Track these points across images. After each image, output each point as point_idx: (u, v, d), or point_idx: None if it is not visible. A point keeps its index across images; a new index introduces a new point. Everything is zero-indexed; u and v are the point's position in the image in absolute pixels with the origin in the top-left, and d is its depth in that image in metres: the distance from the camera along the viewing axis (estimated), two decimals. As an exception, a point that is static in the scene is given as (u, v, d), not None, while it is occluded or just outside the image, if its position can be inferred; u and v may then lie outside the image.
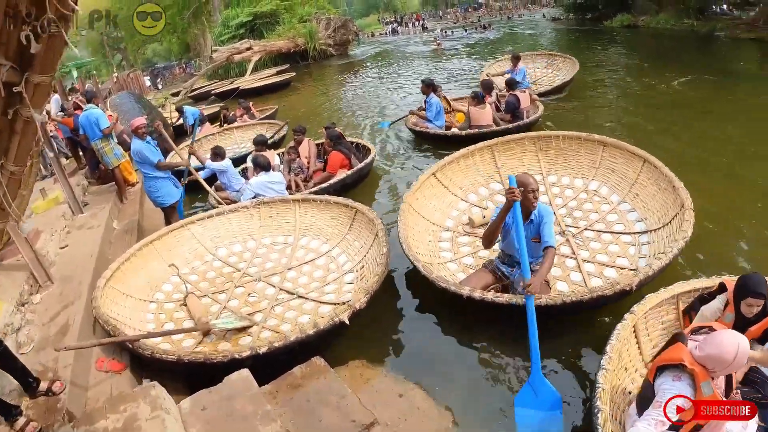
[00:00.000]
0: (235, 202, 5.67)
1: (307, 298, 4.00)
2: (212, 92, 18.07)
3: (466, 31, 29.85)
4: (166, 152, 6.86)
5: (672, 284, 2.86)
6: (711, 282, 2.79)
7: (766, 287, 2.38)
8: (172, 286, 4.42)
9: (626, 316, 2.63)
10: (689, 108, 8.35)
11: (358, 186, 6.28)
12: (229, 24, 24.88)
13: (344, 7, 55.66)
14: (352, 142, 6.94)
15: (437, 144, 7.32)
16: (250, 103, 10.93)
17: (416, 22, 44.15)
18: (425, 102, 7.53)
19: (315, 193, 5.47)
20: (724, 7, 25.26)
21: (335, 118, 10.43)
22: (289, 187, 5.98)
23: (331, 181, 5.77)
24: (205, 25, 29.73)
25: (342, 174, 5.98)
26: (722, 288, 2.59)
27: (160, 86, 29.88)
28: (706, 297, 2.67)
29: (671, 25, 21.44)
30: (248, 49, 21.32)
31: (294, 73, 18.13)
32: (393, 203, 5.75)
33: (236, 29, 24.25)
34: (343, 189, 5.85)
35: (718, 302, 2.55)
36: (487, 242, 3.30)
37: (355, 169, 6.05)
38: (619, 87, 10.57)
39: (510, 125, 6.76)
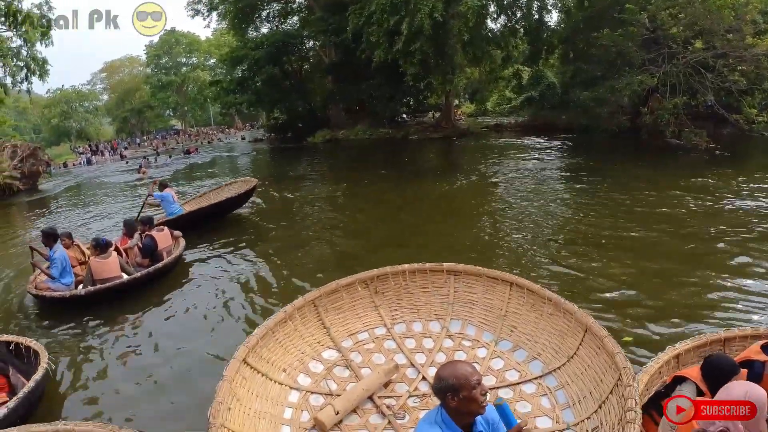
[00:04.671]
0: None
1: None
2: None
3: (170, 157, 29.33)
4: None
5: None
6: (653, 368, 2.73)
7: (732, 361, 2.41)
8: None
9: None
10: (387, 203, 10.30)
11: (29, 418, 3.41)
12: None
13: (31, 135, 47.30)
14: (9, 345, 4.09)
15: (65, 310, 5.54)
16: None
17: (113, 151, 40.83)
18: (48, 257, 5.98)
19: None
20: (404, 116, 31.53)
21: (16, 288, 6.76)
22: None
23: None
24: None
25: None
26: (677, 380, 2.47)
27: None
28: (662, 392, 2.55)
29: (369, 135, 24.90)
30: None
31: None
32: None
33: None
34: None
35: (689, 395, 2.35)
36: None
37: (21, 395, 3.36)
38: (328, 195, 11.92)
39: (139, 273, 5.89)
